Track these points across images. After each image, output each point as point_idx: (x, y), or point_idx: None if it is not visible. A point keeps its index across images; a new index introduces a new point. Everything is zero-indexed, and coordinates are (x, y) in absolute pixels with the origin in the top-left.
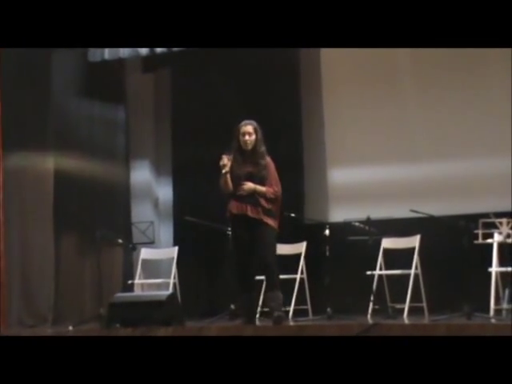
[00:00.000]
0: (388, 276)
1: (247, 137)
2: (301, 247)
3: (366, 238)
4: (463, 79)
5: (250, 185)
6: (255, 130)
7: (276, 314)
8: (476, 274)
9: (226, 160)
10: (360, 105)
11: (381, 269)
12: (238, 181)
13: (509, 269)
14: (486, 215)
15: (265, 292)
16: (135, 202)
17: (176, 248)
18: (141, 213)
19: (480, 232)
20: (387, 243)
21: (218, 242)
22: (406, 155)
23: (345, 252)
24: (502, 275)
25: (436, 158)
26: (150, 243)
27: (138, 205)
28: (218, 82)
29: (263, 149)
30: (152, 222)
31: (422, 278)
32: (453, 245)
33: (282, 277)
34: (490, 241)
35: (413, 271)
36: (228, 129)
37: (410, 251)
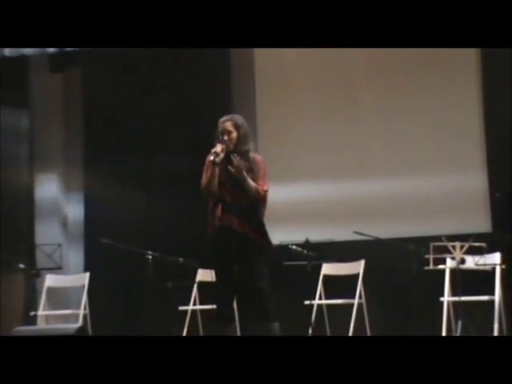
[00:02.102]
0: (328, 306)
1: (226, 136)
2: None
3: (304, 263)
4: (422, 85)
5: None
6: (236, 127)
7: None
8: (426, 304)
9: (219, 148)
10: (299, 114)
11: (320, 298)
12: (221, 187)
13: (462, 298)
14: (437, 238)
15: (258, 324)
16: (40, 220)
17: (87, 274)
18: (46, 233)
19: (431, 257)
20: (328, 269)
21: (136, 268)
22: (350, 171)
23: (280, 279)
24: (455, 305)
25: (383, 175)
26: (57, 269)
27: (43, 224)
28: (139, 86)
29: (247, 147)
30: (59, 245)
31: (367, 307)
32: (401, 271)
33: (206, 307)
34: (441, 267)
35: (356, 300)
36: (150, 138)
37: (353, 278)
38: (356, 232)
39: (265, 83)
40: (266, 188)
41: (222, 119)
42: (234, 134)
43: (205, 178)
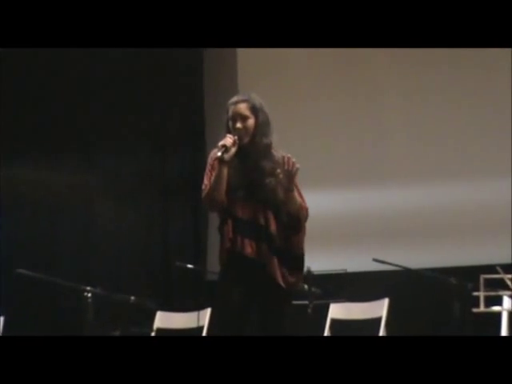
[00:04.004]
0: None
1: (239, 123)
2: (203, 316)
3: (304, 302)
4: (463, 77)
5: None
6: (253, 110)
7: None
8: None
9: (229, 140)
10: (298, 109)
11: None
12: (232, 195)
13: None
14: (490, 268)
15: None
16: None
17: (1, 319)
18: None
19: (481, 295)
20: (337, 311)
21: (70, 310)
22: (366, 178)
23: None
24: None
25: (410, 183)
26: None
27: None
28: (74, 63)
29: (268, 141)
30: None
31: None
32: (439, 314)
33: None
34: (496, 308)
35: None
36: (89, 131)
37: (372, 324)
38: (376, 260)
39: (250, 83)
40: (306, 206)
41: (234, 99)
42: (251, 121)
43: (207, 182)
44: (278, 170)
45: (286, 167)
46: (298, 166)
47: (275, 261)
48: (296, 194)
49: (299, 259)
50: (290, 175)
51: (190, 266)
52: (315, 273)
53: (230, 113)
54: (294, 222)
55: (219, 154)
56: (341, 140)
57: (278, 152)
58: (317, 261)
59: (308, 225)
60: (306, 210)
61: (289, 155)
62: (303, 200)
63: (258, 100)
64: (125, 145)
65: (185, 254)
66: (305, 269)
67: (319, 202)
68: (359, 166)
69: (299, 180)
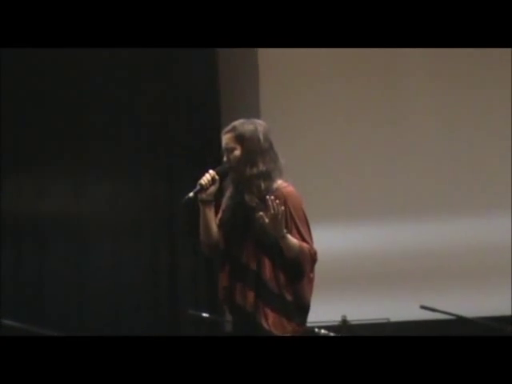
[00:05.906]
0: None
1: (225, 157)
2: None
3: None
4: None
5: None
6: (239, 140)
7: None
8: None
9: (207, 177)
10: (323, 128)
11: None
12: (228, 236)
13: None
14: None
15: None
16: None
17: None
18: None
19: None
20: None
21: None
22: (409, 211)
23: None
24: None
25: (461, 217)
26: None
27: None
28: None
29: (254, 171)
30: None
31: None
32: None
33: None
34: None
35: None
36: (71, 157)
37: None
38: (424, 307)
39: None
40: (314, 250)
41: (224, 130)
42: (237, 152)
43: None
44: (261, 213)
45: (271, 211)
46: (282, 208)
47: (267, 312)
48: (292, 238)
49: (301, 311)
50: (276, 221)
51: (204, 314)
52: (352, 322)
53: (222, 144)
54: (293, 268)
55: (191, 194)
56: (373, 167)
57: (283, 184)
58: (353, 308)
59: (341, 265)
60: (312, 254)
61: (272, 197)
62: (308, 242)
63: (248, 127)
64: (123, 168)
65: (197, 300)
66: (339, 317)
67: (355, 238)
68: (401, 196)
69: (316, 214)
